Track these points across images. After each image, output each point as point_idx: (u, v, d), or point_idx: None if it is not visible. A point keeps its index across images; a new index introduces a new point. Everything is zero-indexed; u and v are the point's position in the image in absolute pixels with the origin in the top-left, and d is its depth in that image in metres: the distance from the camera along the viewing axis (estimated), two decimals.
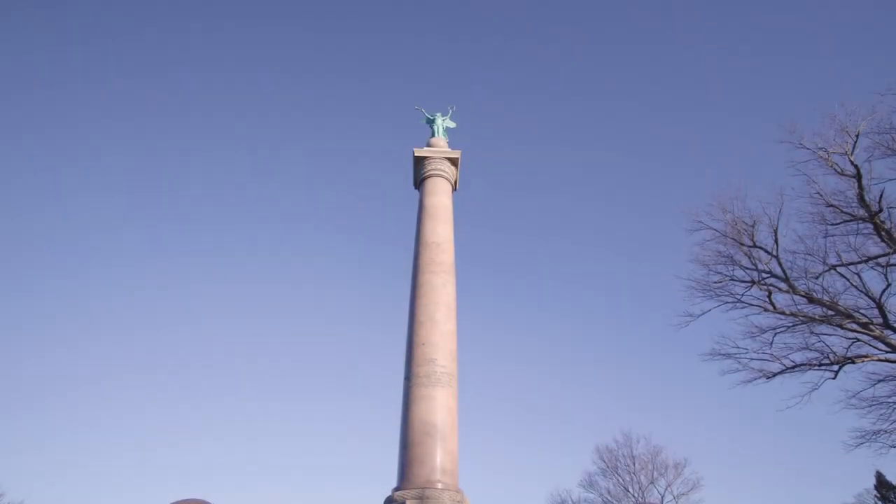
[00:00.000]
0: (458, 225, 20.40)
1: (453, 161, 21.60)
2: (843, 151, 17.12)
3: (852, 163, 16.92)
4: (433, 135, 23.41)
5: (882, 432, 17.26)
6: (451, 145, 22.84)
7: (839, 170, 17.34)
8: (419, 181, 21.51)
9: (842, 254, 17.57)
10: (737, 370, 18.91)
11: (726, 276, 19.45)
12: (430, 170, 21.05)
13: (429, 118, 24.38)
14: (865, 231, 17.21)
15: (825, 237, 17.78)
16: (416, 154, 21.56)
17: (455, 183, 22.02)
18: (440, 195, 20.25)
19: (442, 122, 24.00)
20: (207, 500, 7.73)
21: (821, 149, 17.50)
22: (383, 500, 13.70)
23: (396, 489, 13.61)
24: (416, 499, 12.81)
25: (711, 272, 19.68)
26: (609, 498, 29.82)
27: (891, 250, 16.45)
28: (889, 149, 16.41)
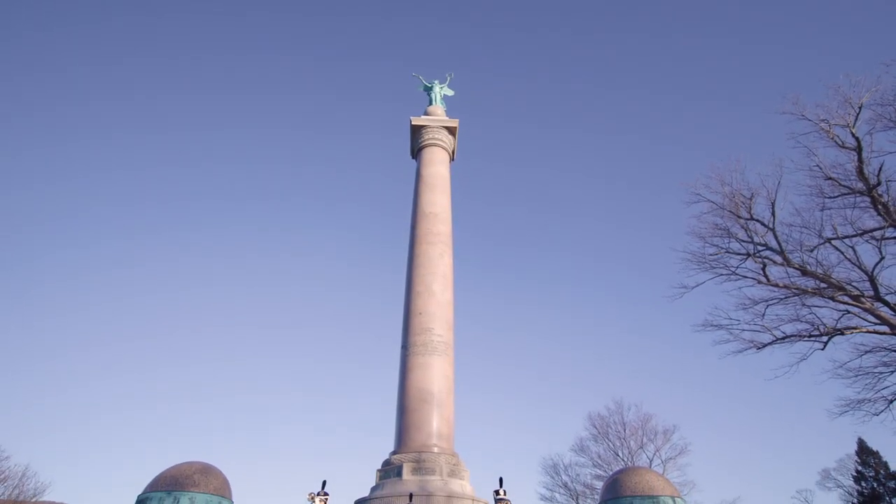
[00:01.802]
0: (455, 195, 20.33)
1: (451, 130, 21.29)
2: (845, 123, 16.97)
3: (853, 135, 16.79)
4: (431, 103, 22.99)
5: (866, 401, 17.75)
6: (449, 114, 22.48)
7: (840, 142, 17.23)
8: (416, 150, 21.25)
9: (837, 227, 17.65)
10: (728, 341, 19.25)
11: (722, 248, 19.56)
12: (428, 139, 20.76)
13: (426, 85, 23.88)
14: (862, 204, 17.24)
15: (822, 210, 17.82)
16: (413, 123, 21.22)
17: (453, 153, 21.76)
18: (438, 165, 20.04)
19: (440, 90, 23.53)
20: (209, 462, 7.94)
21: (822, 120, 17.34)
22: (381, 463, 14.11)
23: (394, 453, 14.00)
24: (413, 462, 13.21)
25: (708, 244, 19.78)
26: (599, 461, 30.84)
27: (886, 224, 16.51)
28: (891, 121, 16.25)
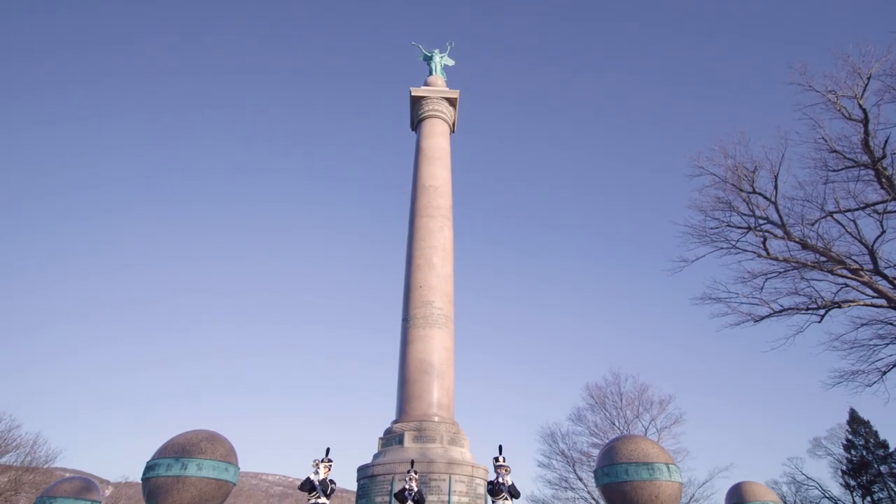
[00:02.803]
0: (455, 167, 20.13)
1: (451, 101, 20.92)
2: (853, 95, 16.71)
3: (861, 106, 16.55)
4: (431, 73, 22.53)
5: (860, 372, 18.04)
6: (450, 84, 22.05)
7: (847, 114, 17.01)
8: (416, 122, 20.94)
9: (840, 200, 17.58)
10: (726, 314, 19.44)
11: (723, 222, 19.55)
12: (428, 110, 20.43)
13: (426, 55, 23.36)
14: (866, 178, 17.13)
15: (825, 183, 17.72)
16: (412, 94, 20.83)
17: (453, 124, 21.45)
18: (438, 137, 19.78)
19: (440, 60, 23.03)
20: (216, 431, 8.13)
21: (830, 91, 17.06)
22: (383, 431, 14.46)
23: (395, 422, 14.32)
24: (414, 430, 13.53)
25: (709, 218, 19.76)
26: (596, 430, 31.61)
27: (889, 197, 16.43)
28: None
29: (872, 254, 16.99)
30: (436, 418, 13.93)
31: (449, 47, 23.71)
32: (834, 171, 17.46)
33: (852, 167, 17.12)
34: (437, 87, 21.35)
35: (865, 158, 16.73)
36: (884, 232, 16.88)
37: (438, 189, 18.18)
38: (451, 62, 23.46)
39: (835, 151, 17.31)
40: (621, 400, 31.69)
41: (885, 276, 16.78)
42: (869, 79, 16.38)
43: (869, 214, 17.31)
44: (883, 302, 16.84)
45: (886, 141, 16.15)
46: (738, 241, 19.35)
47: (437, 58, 22.99)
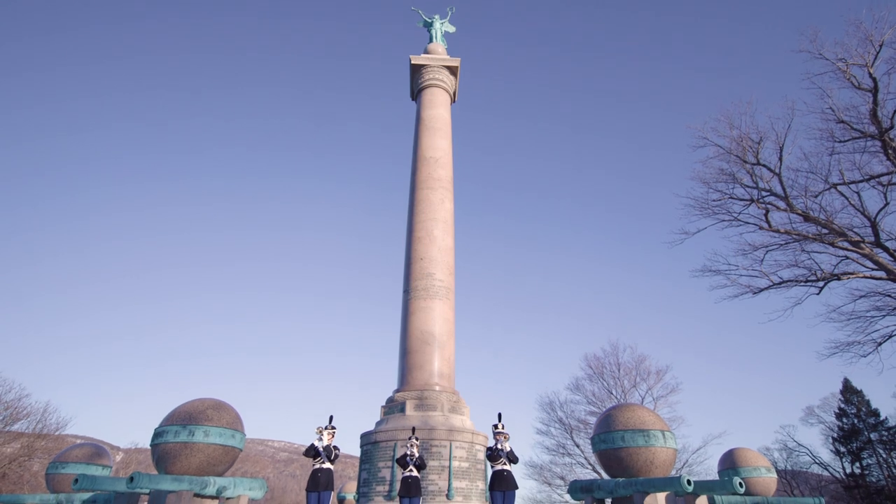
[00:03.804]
0: (456, 137, 19.88)
1: (452, 70, 20.48)
2: (864, 63, 16.36)
3: (871, 75, 16.23)
4: (431, 40, 21.97)
5: (856, 343, 18.25)
6: (451, 52, 21.54)
7: (856, 83, 16.69)
8: (416, 92, 20.55)
9: (844, 172, 17.43)
10: (725, 286, 19.54)
11: (726, 194, 19.44)
12: (428, 79, 20.02)
13: (426, 21, 22.73)
14: (872, 149, 16.94)
15: (831, 155, 17.53)
16: (412, 62, 20.37)
17: (454, 94, 21.05)
18: (438, 107, 19.45)
19: (440, 27, 22.43)
20: (222, 399, 8.31)
21: (840, 59, 16.69)
22: (385, 400, 14.76)
23: (397, 391, 14.61)
24: (415, 399, 13.81)
25: (711, 190, 19.64)
26: (594, 399, 32.29)
27: (895, 168, 16.29)
28: None
29: (874, 226, 16.96)
30: (437, 387, 14.20)
31: (450, 13, 23.06)
32: (840, 141, 17.24)
33: (859, 138, 16.91)
34: (438, 54, 20.87)
35: (873, 129, 16.50)
36: (887, 204, 16.80)
37: (439, 160, 18.00)
38: (451, 29, 22.86)
39: (842, 122, 17.05)
40: (619, 370, 32.24)
41: (885, 249, 16.79)
42: (881, 46, 15.98)
43: (873, 186, 17.20)
44: (882, 274, 16.90)
45: (895, 111, 15.88)
46: (739, 213, 19.30)
47: (437, 24, 22.39)
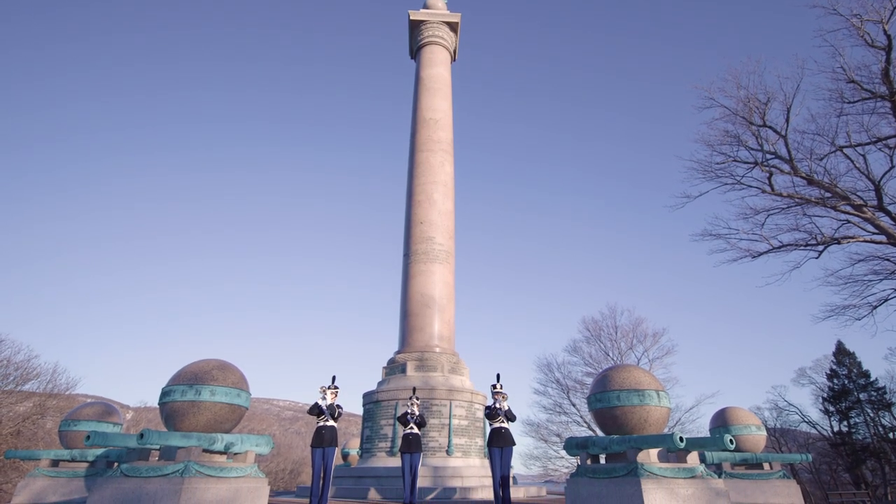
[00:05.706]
0: (456, 98, 19.43)
1: (452, 26, 19.79)
2: (879, 19, 15.82)
3: (885, 32, 15.72)
4: None
5: (851, 307, 18.44)
6: (451, 7, 20.75)
7: (869, 41, 16.20)
8: (415, 50, 19.93)
9: (852, 135, 17.14)
10: (725, 250, 19.56)
11: (730, 156, 19.20)
12: (428, 37, 19.37)
13: None
14: (882, 110, 16.61)
15: (839, 116, 17.19)
16: (411, 17, 19.65)
17: (454, 52, 20.42)
18: (438, 66, 18.91)
19: None
20: (226, 360, 8.47)
21: (855, 15, 16.13)
22: (386, 361, 15.08)
23: (398, 352, 14.90)
24: (416, 360, 14.11)
25: (715, 153, 19.38)
26: (590, 361, 32.97)
27: None
28: None
29: (878, 189, 16.81)
30: (437, 349, 14.47)
31: None
32: (849, 102, 16.88)
33: (869, 98, 16.55)
34: (438, 9, 20.13)
35: (884, 89, 16.12)
36: (893, 167, 16.61)
37: (439, 122, 17.66)
38: None
39: (852, 82, 16.64)
40: (616, 332, 32.75)
41: (888, 213, 16.71)
42: None
43: (880, 149, 16.95)
44: (883, 238, 16.89)
45: None
46: (743, 176, 19.10)
47: None
